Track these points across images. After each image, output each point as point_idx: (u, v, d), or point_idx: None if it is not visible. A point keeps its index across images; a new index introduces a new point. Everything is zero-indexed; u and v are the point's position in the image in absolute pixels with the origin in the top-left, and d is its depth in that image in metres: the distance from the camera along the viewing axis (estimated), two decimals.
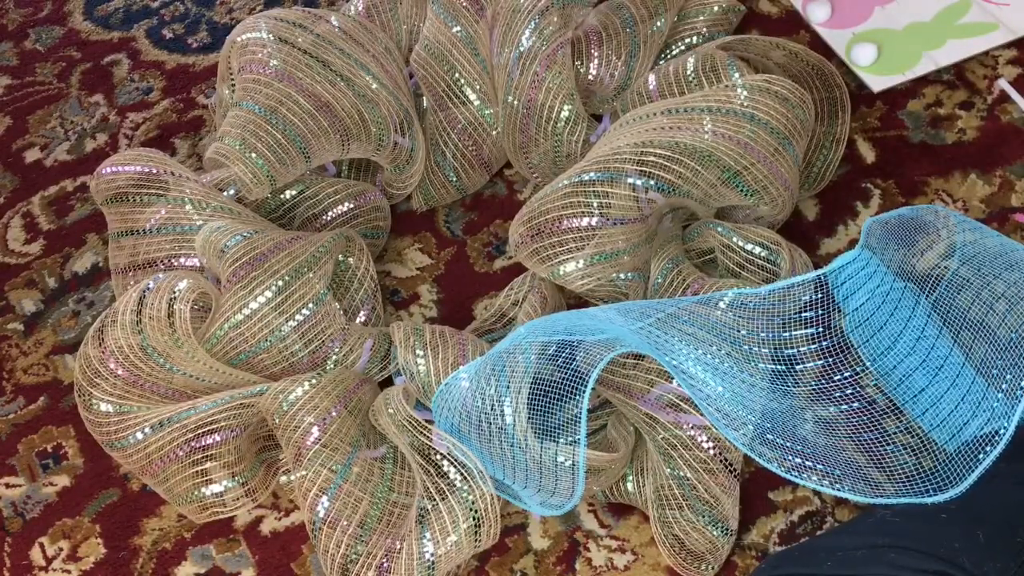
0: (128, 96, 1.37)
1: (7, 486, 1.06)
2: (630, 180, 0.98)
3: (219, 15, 1.45)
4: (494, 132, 1.16)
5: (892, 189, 1.13)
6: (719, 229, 1.02)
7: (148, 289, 0.97)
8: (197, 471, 0.95)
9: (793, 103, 1.00)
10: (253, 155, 1.04)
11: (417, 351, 0.98)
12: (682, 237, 1.06)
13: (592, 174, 0.99)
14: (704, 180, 0.99)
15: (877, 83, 1.20)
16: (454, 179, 1.17)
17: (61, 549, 1.01)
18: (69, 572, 1.00)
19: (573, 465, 0.86)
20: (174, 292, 0.96)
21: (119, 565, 0.99)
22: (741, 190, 1.00)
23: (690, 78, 1.06)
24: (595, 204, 0.98)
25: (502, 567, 0.95)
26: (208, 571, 0.98)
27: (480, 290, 1.13)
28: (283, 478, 1.00)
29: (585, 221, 0.98)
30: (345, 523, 0.89)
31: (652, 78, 1.10)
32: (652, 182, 0.98)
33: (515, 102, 1.11)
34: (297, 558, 0.97)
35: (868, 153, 1.16)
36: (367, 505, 0.91)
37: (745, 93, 0.99)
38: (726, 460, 0.90)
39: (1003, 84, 1.19)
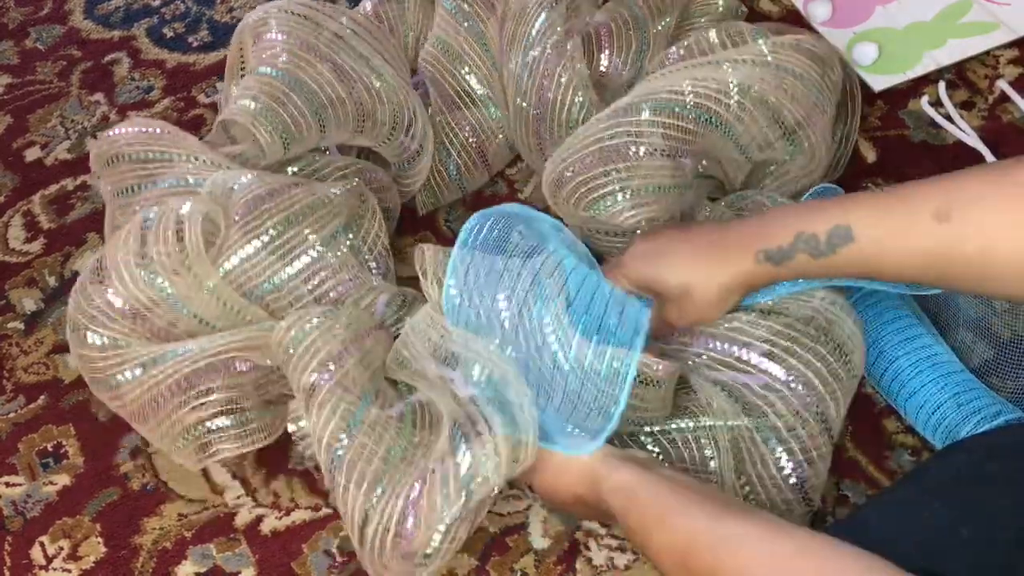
0: (128, 95, 1.36)
1: (7, 485, 1.06)
2: (677, 110, 0.95)
3: (220, 14, 1.45)
4: (500, 135, 1.16)
5: None
6: (765, 197, 1.00)
7: (148, 219, 0.93)
8: (199, 404, 0.91)
9: (826, 60, 0.99)
10: (268, 115, 1.01)
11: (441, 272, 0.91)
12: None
13: (638, 103, 0.95)
14: (749, 116, 0.96)
15: (878, 82, 1.20)
16: (455, 174, 1.17)
17: (61, 548, 1.01)
18: (69, 571, 1.00)
19: (618, 375, 0.82)
20: (180, 215, 0.93)
21: (119, 564, 0.99)
22: (785, 132, 0.98)
23: (714, 44, 1.04)
24: (646, 133, 0.94)
25: (502, 567, 0.95)
26: (208, 570, 0.98)
27: None
28: (291, 426, 0.93)
29: (633, 150, 0.94)
30: (365, 463, 0.82)
31: (673, 49, 1.07)
32: (701, 114, 0.95)
33: (525, 101, 1.10)
34: (297, 557, 0.97)
35: (869, 153, 1.16)
36: (390, 441, 0.84)
37: (777, 50, 0.97)
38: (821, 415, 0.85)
39: (1003, 85, 1.19)
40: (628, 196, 0.95)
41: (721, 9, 1.19)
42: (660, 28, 1.14)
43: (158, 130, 1.05)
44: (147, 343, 0.94)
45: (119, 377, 0.93)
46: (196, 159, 1.03)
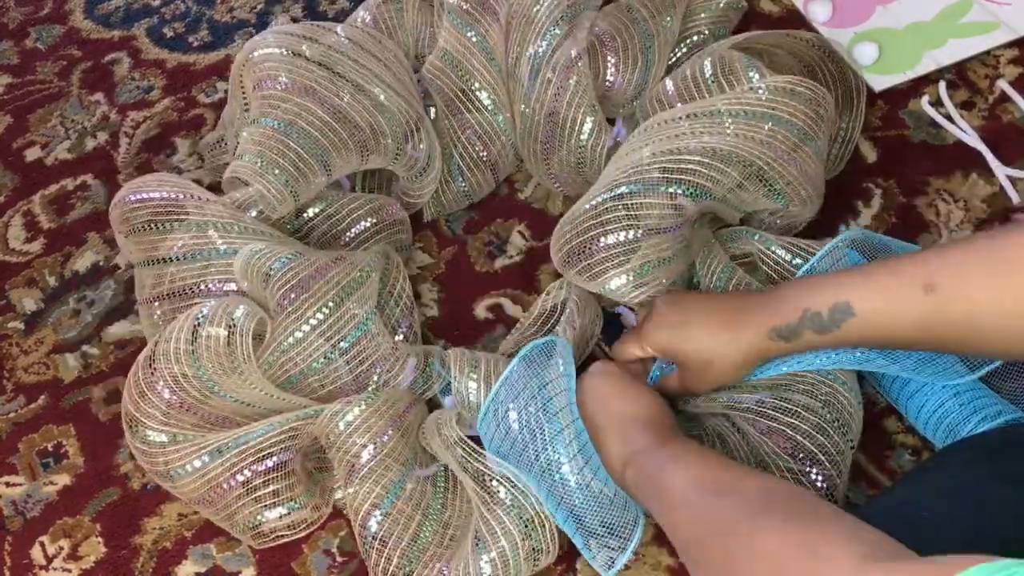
0: (129, 95, 1.36)
1: (7, 485, 1.06)
2: (663, 188, 0.97)
3: (220, 13, 1.45)
4: (506, 143, 1.16)
5: (893, 189, 1.13)
6: (757, 237, 1.02)
7: (202, 316, 0.95)
8: (257, 496, 0.94)
9: (818, 101, 1.00)
10: (276, 171, 1.02)
11: (471, 377, 0.98)
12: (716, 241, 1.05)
13: (625, 187, 0.98)
14: (734, 182, 0.98)
15: (878, 82, 1.20)
16: (464, 186, 1.16)
17: (62, 548, 1.01)
18: (70, 571, 1.00)
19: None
20: (232, 319, 0.94)
21: (119, 564, 0.99)
22: (771, 190, 1.00)
23: (709, 81, 1.05)
24: (636, 216, 0.97)
25: None
26: (208, 570, 0.98)
27: (480, 289, 1.13)
28: (338, 493, 1.00)
29: (624, 235, 0.97)
30: (397, 539, 0.89)
31: (670, 83, 1.07)
32: (690, 189, 0.97)
33: (534, 113, 1.10)
34: (297, 557, 0.97)
35: (869, 153, 1.16)
36: (419, 523, 0.91)
37: (767, 95, 0.98)
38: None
39: (1003, 85, 1.19)
40: (631, 278, 0.98)
41: (722, 5, 1.19)
42: (663, 26, 1.14)
43: (180, 196, 1.04)
44: (198, 430, 0.96)
45: (180, 471, 0.95)
46: (220, 227, 1.03)
